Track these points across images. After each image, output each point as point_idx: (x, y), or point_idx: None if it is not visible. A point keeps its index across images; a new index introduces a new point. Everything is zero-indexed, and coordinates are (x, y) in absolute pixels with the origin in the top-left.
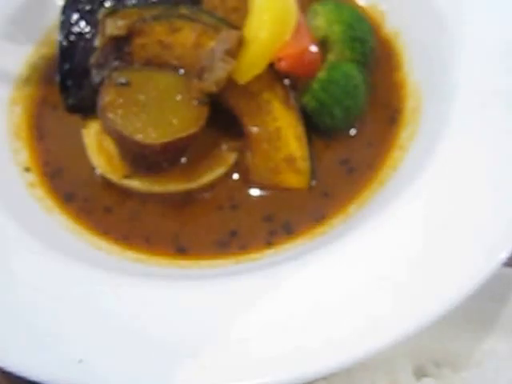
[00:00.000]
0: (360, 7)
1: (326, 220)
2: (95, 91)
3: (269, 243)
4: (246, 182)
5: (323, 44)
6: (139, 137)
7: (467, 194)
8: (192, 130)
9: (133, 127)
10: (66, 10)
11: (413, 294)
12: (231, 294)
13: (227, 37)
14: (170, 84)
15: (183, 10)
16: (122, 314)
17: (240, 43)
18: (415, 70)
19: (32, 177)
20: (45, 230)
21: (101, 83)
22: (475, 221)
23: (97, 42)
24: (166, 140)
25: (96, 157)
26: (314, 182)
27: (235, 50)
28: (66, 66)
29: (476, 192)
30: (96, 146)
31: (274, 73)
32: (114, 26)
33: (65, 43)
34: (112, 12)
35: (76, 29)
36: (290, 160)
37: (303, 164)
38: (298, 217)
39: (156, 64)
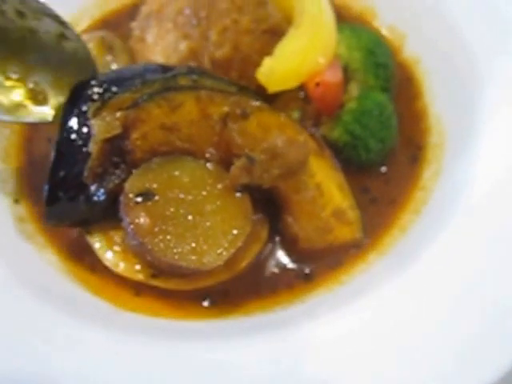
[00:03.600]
0: (377, 30)
1: (345, 268)
2: (91, 208)
3: (290, 288)
4: (298, 253)
5: (343, 72)
6: (196, 265)
7: (497, 251)
8: (247, 230)
9: (183, 255)
10: (71, 106)
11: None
12: None
13: (296, 151)
14: (198, 179)
15: (183, 81)
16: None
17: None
18: (437, 102)
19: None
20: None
21: (115, 201)
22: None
23: (90, 148)
24: (225, 258)
25: (114, 265)
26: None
27: (298, 169)
28: (61, 174)
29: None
30: (111, 254)
31: (299, 125)
32: (105, 126)
33: (63, 146)
34: (99, 108)
35: (80, 130)
36: (339, 213)
37: (353, 213)
38: (317, 264)
39: (164, 152)
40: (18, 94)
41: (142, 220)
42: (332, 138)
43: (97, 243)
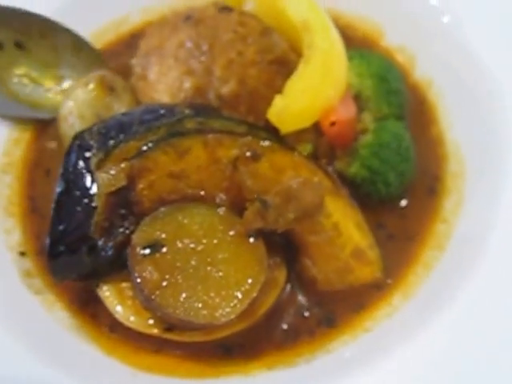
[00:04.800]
0: (385, 50)
1: (368, 311)
2: (95, 260)
3: (311, 335)
4: (317, 296)
5: (355, 101)
6: (208, 320)
7: None
8: (261, 279)
9: (194, 310)
10: (71, 156)
11: None
12: None
13: (311, 193)
14: (208, 226)
15: (189, 124)
16: None
17: (320, 205)
18: (453, 127)
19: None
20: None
21: (121, 255)
22: None
23: (95, 203)
24: (240, 310)
25: (125, 319)
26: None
27: (314, 212)
28: (60, 228)
29: None
30: (122, 308)
31: (313, 164)
32: (109, 180)
33: (62, 197)
34: (102, 160)
35: (80, 182)
36: (358, 253)
37: (372, 253)
38: (338, 306)
39: (173, 200)
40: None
41: (149, 274)
42: (349, 174)
43: (107, 297)
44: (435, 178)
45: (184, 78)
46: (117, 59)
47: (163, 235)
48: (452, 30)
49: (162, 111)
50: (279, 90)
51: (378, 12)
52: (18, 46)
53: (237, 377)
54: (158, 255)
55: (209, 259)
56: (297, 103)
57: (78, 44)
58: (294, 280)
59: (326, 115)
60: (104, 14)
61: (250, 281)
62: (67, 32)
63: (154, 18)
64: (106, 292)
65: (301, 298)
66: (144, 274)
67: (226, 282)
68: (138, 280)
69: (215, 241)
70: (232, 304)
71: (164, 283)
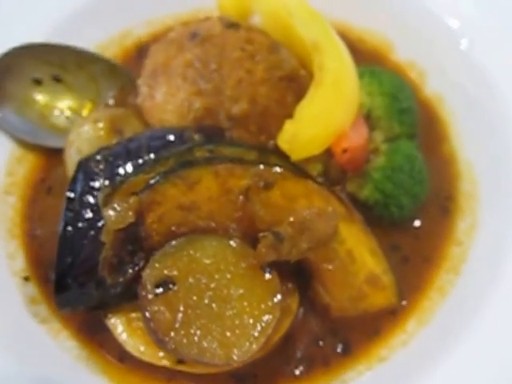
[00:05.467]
0: (395, 64)
1: (383, 338)
2: (104, 294)
3: (326, 365)
4: (331, 322)
5: (366, 120)
6: (223, 360)
7: None
8: (277, 314)
9: (210, 351)
10: (76, 185)
11: None
12: None
13: (324, 224)
14: (221, 259)
15: (199, 153)
16: None
17: (334, 235)
18: (465, 145)
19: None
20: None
21: (130, 288)
22: None
23: (103, 238)
24: (256, 349)
25: (135, 350)
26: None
27: (327, 241)
28: (68, 260)
29: None
30: (132, 339)
31: (326, 190)
32: (116, 217)
33: (70, 230)
34: (110, 194)
35: (86, 213)
36: (372, 279)
37: (386, 278)
38: (352, 332)
39: (184, 233)
40: None
41: (162, 315)
42: (361, 197)
43: (115, 327)
44: (448, 197)
45: (193, 98)
46: None
47: (174, 272)
48: (463, 47)
49: (171, 137)
50: (290, 108)
51: (388, 26)
52: (56, 79)
53: None
54: (170, 293)
55: (222, 295)
56: (308, 129)
57: (111, 69)
58: (307, 306)
59: (338, 142)
60: (108, 27)
61: (265, 318)
62: (100, 59)
63: (158, 30)
64: (114, 323)
65: (314, 326)
66: (157, 316)
67: (240, 319)
68: (151, 324)
69: (228, 275)
70: (248, 343)
71: (177, 324)
